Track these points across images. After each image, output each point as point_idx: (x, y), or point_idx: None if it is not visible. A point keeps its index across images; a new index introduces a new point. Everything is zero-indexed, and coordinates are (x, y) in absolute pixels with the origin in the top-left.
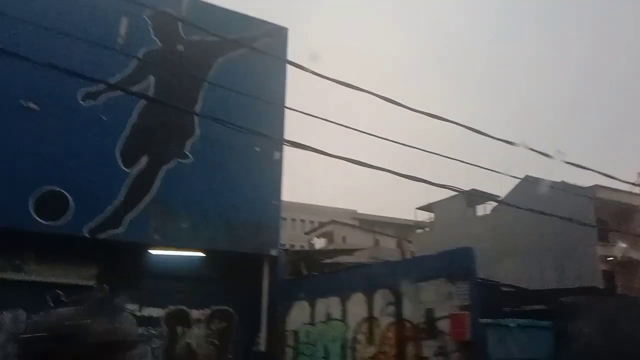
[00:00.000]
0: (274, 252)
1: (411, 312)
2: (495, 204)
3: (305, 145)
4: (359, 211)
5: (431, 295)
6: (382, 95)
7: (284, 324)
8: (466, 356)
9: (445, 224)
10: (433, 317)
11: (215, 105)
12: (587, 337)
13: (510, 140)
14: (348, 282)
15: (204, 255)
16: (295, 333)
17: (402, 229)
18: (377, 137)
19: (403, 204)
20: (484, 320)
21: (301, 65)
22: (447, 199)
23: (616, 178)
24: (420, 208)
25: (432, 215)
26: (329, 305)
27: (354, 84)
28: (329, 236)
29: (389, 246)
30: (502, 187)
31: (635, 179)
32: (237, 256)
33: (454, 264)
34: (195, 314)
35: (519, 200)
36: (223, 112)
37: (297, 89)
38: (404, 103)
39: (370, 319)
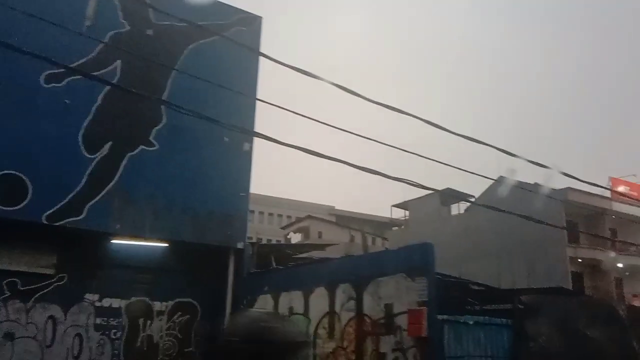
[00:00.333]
0: (240, 245)
1: (371, 307)
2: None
3: (274, 139)
4: (337, 207)
5: (390, 290)
6: (350, 89)
7: None
8: (422, 352)
9: (419, 222)
10: (392, 313)
11: (184, 92)
12: (545, 336)
13: (487, 141)
14: (311, 276)
15: (167, 245)
16: None
17: (380, 226)
18: (348, 132)
19: (383, 201)
20: (441, 317)
21: (273, 58)
22: (422, 197)
23: (585, 181)
24: (396, 205)
25: (407, 213)
26: (292, 299)
27: (329, 80)
28: (304, 231)
29: (363, 243)
30: (480, 186)
31: (607, 183)
32: (202, 248)
33: (413, 260)
34: (157, 305)
35: (492, 201)
36: (192, 100)
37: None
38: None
39: (332, 314)
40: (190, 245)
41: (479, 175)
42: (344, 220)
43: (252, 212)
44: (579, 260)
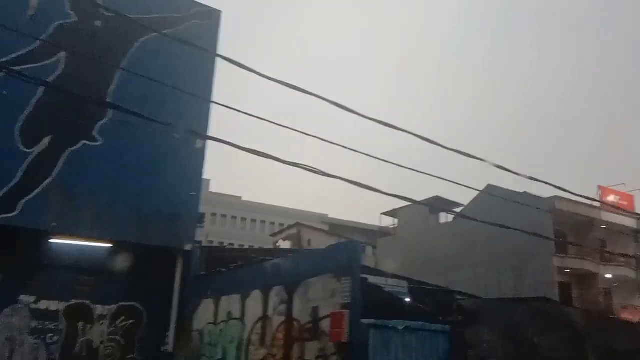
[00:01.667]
0: (188, 247)
1: (299, 310)
2: (458, 210)
3: (228, 142)
4: (330, 216)
5: (319, 292)
6: (330, 100)
7: (191, 323)
8: (346, 359)
9: (408, 230)
10: (318, 317)
11: (133, 86)
12: (486, 343)
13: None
14: (249, 279)
15: (111, 246)
16: (200, 333)
17: (371, 235)
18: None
19: (376, 209)
20: (367, 321)
21: (227, 57)
22: (411, 205)
23: (573, 192)
24: (386, 213)
25: (396, 221)
26: (231, 303)
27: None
28: (294, 239)
29: None
30: (469, 193)
31: (596, 192)
32: (148, 249)
33: (340, 259)
34: (99, 309)
35: (481, 209)
36: (141, 95)
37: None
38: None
39: (265, 319)
40: (136, 246)
41: (464, 186)
42: (337, 228)
43: (245, 219)
44: (567, 270)
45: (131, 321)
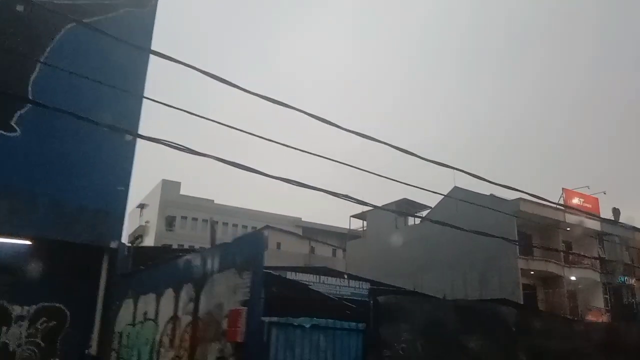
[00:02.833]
0: (114, 245)
1: (205, 309)
2: (425, 213)
3: (160, 140)
4: (304, 219)
5: (222, 289)
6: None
7: (113, 324)
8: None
9: (377, 232)
10: (221, 315)
11: (58, 75)
12: (405, 343)
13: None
14: (163, 277)
15: (30, 243)
16: (120, 335)
17: (344, 238)
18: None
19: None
20: (269, 319)
21: (161, 53)
22: (379, 207)
23: (536, 195)
24: (355, 216)
25: (365, 223)
26: (147, 303)
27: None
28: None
29: (324, 254)
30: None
31: (560, 194)
32: (72, 246)
33: (243, 253)
34: (17, 310)
35: (448, 211)
36: (66, 85)
37: None
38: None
39: (174, 319)
40: (58, 243)
41: (428, 190)
42: (310, 232)
43: (217, 222)
44: (532, 272)
45: (53, 323)
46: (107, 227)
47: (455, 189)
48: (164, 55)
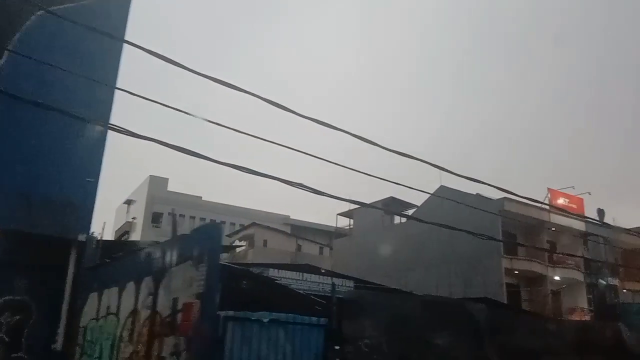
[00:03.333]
0: (82, 237)
1: (162, 302)
2: (411, 212)
3: (133, 132)
4: (292, 217)
5: (179, 282)
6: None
7: (79, 319)
8: (195, 356)
9: (364, 230)
10: (176, 309)
11: (26, 65)
12: (370, 339)
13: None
14: (126, 270)
15: None
16: (85, 330)
17: (332, 236)
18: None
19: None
20: (224, 313)
21: (134, 43)
22: (370, 204)
23: (521, 195)
24: (342, 214)
25: (351, 221)
26: (110, 297)
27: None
28: (249, 239)
29: (311, 252)
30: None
31: (545, 193)
32: (39, 239)
33: (200, 244)
34: None
35: (434, 210)
36: (34, 75)
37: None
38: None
39: (134, 313)
40: (23, 235)
41: (413, 188)
42: (299, 230)
43: (204, 219)
44: (516, 272)
45: (18, 317)
46: (75, 220)
47: (442, 187)
48: (137, 45)
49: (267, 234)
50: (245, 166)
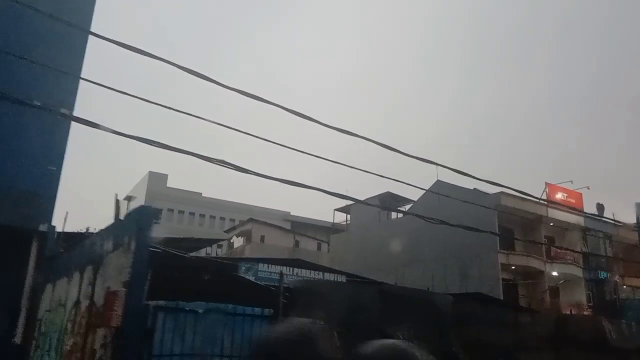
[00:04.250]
0: (43, 228)
1: (98, 292)
2: (408, 207)
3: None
4: (293, 213)
5: (112, 270)
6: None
7: (37, 311)
8: (120, 347)
9: (360, 226)
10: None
11: None
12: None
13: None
14: (74, 260)
15: None
16: (40, 322)
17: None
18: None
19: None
20: (155, 303)
21: (100, 35)
22: (364, 200)
23: (518, 190)
24: (339, 209)
25: (348, 217)
26: (61, 288)
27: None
28: (247, 235)
29: (309, 248)
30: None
31: (543, 188)
32: None
33: (131, 229)
34: None
35: (430, 205)
36: None
37: None
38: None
39: (77, 304)
40: None
41: (411, 185)
42: (299, 226)
43: (203, 216)
44: (513, 267)
45: None
46: (37, 210)
47: (438, 182)
48: (103, 36)
49: (265, 229)
50: (241, 165)
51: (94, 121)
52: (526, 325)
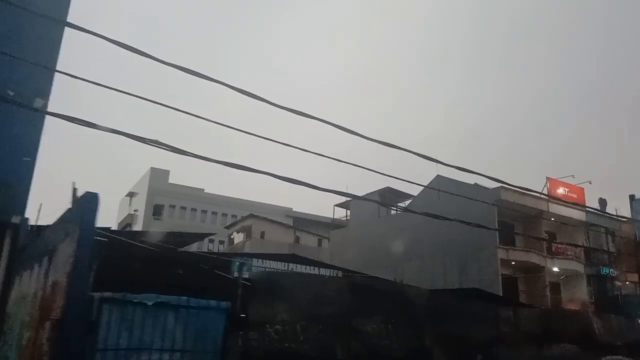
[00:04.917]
0: (16, 220)
1: (49, 283)
2: (408, 202)
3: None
4: (294, 209)
5: (60, 260)
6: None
7: (7, 305)
8: (63, 341)
9: (360, 221)
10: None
11: None
12: (281, 325)
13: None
14: (35, 252)
15: None
16: (8, 316)
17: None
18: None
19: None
20: (100, 295)
21: (76, 25)
22: (362, 196)
23: (517, 186)
24: (338, 205)
25: (348, 212)
26: (24, 281)
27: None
28: (247, 231)
29: (310, 244)
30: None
31: (544, 183)
32: None
33: (77, 218)
34: None
35: (430, 200)
36: None
37: None
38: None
39: (34, 296)
40: None
41: (411, 182)
42: (300, 222)
43: (205, 212)
44: (513, 262)
45: None
46: (9, 201)
47: (438, 177)
48: (80, 27)
49: (265, 225)
50: (243, 164)
51: (68, 115)
52: (508, 320)
